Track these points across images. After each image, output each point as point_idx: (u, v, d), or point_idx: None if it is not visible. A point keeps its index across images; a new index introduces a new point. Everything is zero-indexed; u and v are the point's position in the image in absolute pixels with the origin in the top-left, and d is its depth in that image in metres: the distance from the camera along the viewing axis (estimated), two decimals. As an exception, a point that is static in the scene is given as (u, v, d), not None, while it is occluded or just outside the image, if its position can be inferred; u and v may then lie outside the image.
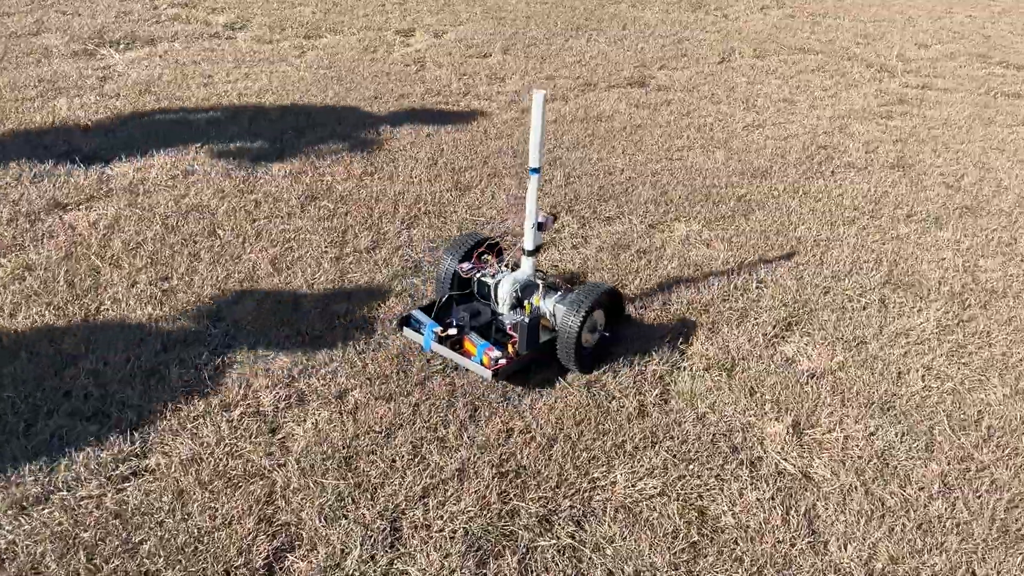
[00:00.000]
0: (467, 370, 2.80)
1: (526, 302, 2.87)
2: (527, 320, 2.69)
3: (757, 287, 3.71)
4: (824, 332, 3.41)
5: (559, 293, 2.87)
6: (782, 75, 7.54)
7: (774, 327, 3.39)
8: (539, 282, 2.91)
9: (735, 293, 3.63)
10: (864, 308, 3.62)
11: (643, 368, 2.99)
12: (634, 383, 2.91)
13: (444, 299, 2.92)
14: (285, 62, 6.39)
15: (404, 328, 2.85)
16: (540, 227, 2.79)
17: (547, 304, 2.85)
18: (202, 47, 6.55)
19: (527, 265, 2.90)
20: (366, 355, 2.92)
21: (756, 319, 3.45)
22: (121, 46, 6.41)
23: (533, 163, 2.63)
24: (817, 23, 9.97)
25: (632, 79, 6.93)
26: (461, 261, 2.96)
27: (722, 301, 3.56)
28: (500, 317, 2.88)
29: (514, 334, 2.79)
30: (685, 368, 3.04)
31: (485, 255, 3.00)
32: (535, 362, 2.86)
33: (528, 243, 2.82)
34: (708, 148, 5.41)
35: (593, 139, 5.42)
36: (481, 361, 2.69)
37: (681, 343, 3.20)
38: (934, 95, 7.33)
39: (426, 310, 2.92)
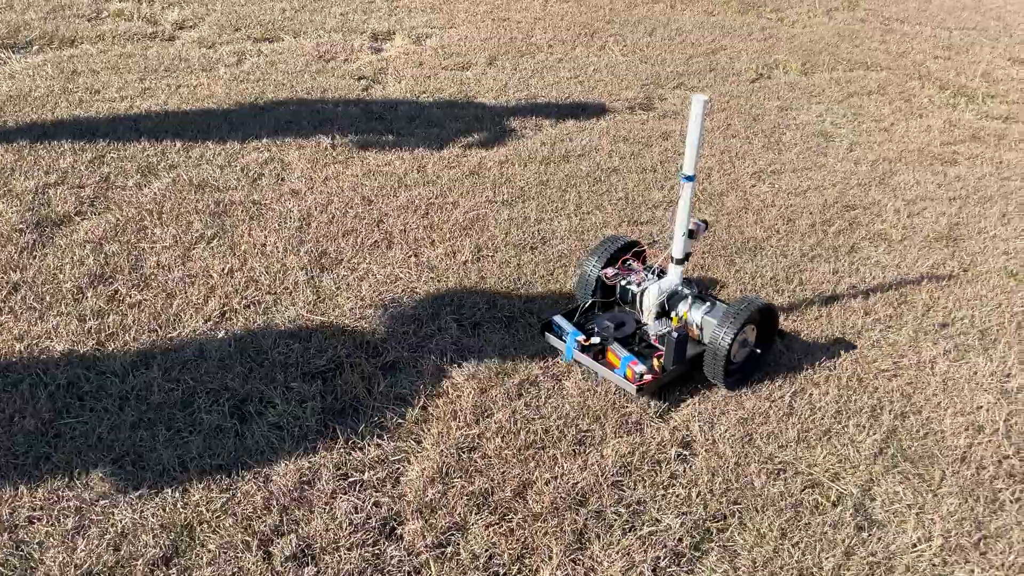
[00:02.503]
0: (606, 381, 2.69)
1: (673, 314, 2.80)
2: (675, 334, 2.60)
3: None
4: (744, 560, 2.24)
5: (707, 304, 2.78)
6: (829, 98, 6.19)
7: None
8: (688, 292, 2.83)
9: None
10: (829, 524, 2.42)
11: None
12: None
13: (587, 305, 2.87)
14: (210, 71, 5.46)
15: (546, 333, 2.81)
16: (691, 234, 2.74)
17: (695, 315, 2.77)
18: (122, 51, 5.68)
19: (674, 273, 2.83)
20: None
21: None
22: (31, 47, 5.60)
23: (688, 170, 2.61)
24: (891, 30, 8.45)
25: (636, 101, 5.72)
26: (605, 266, 2.90)
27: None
28: (644, 327, 2.81)
29: (659, 346, 2.72)
30: None
31: (630, 261, 2.95)
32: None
33: (677, 251, 2.77)
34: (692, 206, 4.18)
35: (543, 187, 4.28)
36: (624, 375, 2.61)
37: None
38: (1018, 130, 5.84)
39: (567, 316, 2.85)
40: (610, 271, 2.89)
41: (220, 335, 2.91)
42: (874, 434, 2.70)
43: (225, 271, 3.28)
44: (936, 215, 4.37)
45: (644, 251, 3.07)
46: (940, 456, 2.64)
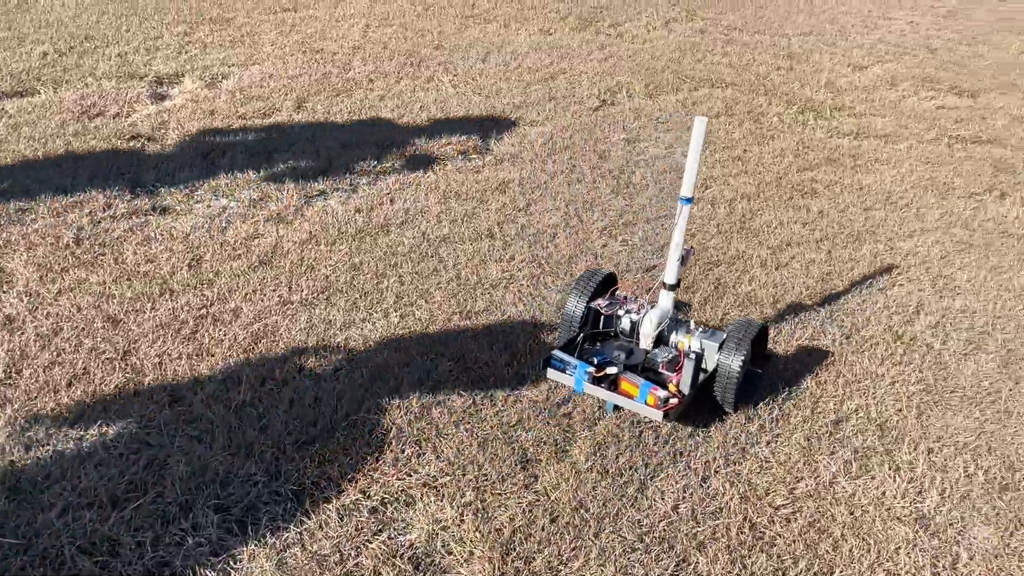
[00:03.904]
0: (620, 409, 2.66)
1: (675, 339, 2.81)
2: (693, 357, 2.58)
3: None
4: None
5: (701, 329, 2.80)
6: (677, 124, 5.68)
7: None
8: (682, 318, 2.89)
9: None
10: None
11: None
12: None
13: (582, 337, 2.80)
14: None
15: (548, 369, 2.68)
16: (682, 260, 2.74)
17: (694, 341, 2.76)
18: None
19: (667, 300, 2.82)
20: None
21: None
22: None
23: (686, 192, 2.62)
24: (731, 40, 8.16)
25: (469, 144, 5.00)
26: (591, 299, 2.87)
27: None
28: (650, 355, 2.77)
29: (667, 372, 2.70)
30: None
31: (619, 291, 2.98)
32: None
33: (670, 276, 2.78)
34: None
35: (355, 274, 3.47)
36: (646, 401, 2.53)
37: None
38: (872, 147, 5.54)
39: (565, 350, 2.74)
40: (603, 302, 2.87)
41: None
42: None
43: None
44: (805, 264, 3.89)
45: (616, 280, 3.08)
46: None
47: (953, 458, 2.67)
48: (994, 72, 7.91)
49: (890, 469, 2.60)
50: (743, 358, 2.64)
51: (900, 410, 2.89)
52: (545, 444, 2.58)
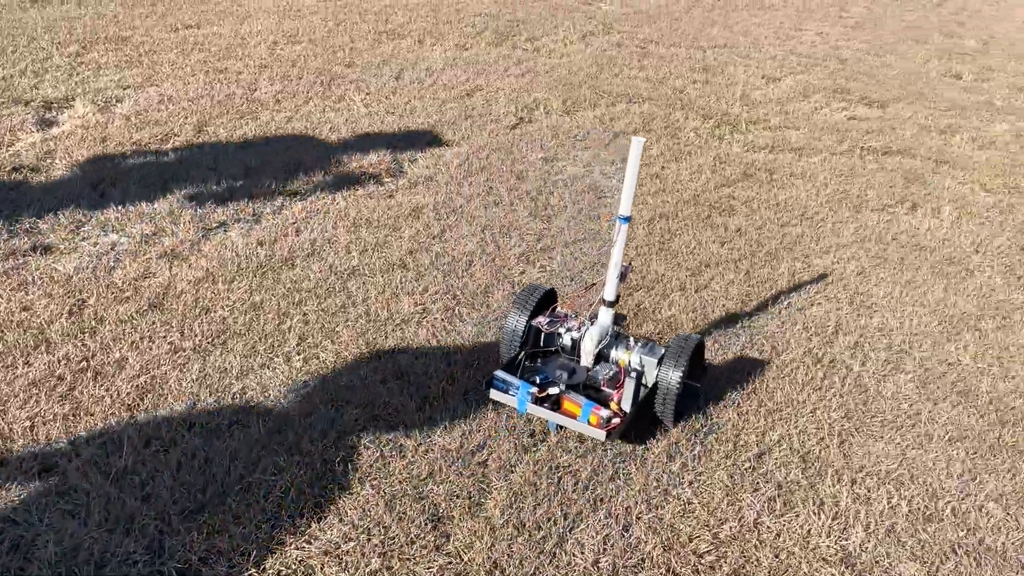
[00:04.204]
0: (563, 428, 2.64)
1: (616, 355, 2.79)
2: (633, 375, 2.59)
3: None
4: None
5: (640, 345, 2.79)
6: (595, 141, 5.62)
7: None
8: (628, 335, 2.87)
9: None
10: None
11: None
12: None
13: (523, 356, 2.77)
14: None
15: (491, 390, 2.64)
16: (621, 276, 2.73)
17: (633, 357, 2.76)
18: None
19: (607, 316, 2.79)
20: None
21: None
22: None
23: (624, 211, 2.62)
24: (647, 53, 8.18)
25: (382, 167, 4.81)
26: (531, 316, 2.82)
27: None
28: (591, 372, 2.74)
29: (608, 390, 2.67)
30: None
31: (558, 308, 2.95)
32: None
33: (609, 293, 2.75)
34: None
35: (256, 314, 3.26)
36: (589, 421, 2.52)
37: None
38: (788, 161, 5.58)
39: (507, 369, 2.72)
40: (543, 320, 2.84)
41: None
42: None
43: None
44: (725, 285, 3.83)
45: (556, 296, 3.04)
46: None
47: (876, 489, 2.62)
48: (901, 82, 8.12)
49: (814, 504, 2.53)
50: (682, 372, 2.64)
51: (822, 439, 2.83)
52: (458, 498, 2.42)
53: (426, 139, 5.37)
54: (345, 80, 6.34)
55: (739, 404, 2.95)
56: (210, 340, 3.05)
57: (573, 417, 2.57)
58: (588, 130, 5.82)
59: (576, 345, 2.82)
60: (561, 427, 2.66)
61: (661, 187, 4.92)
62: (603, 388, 2.70)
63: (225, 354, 2.98)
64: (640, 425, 2.72)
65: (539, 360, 2.87)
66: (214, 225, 3.94)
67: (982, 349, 3.51)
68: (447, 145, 5.30)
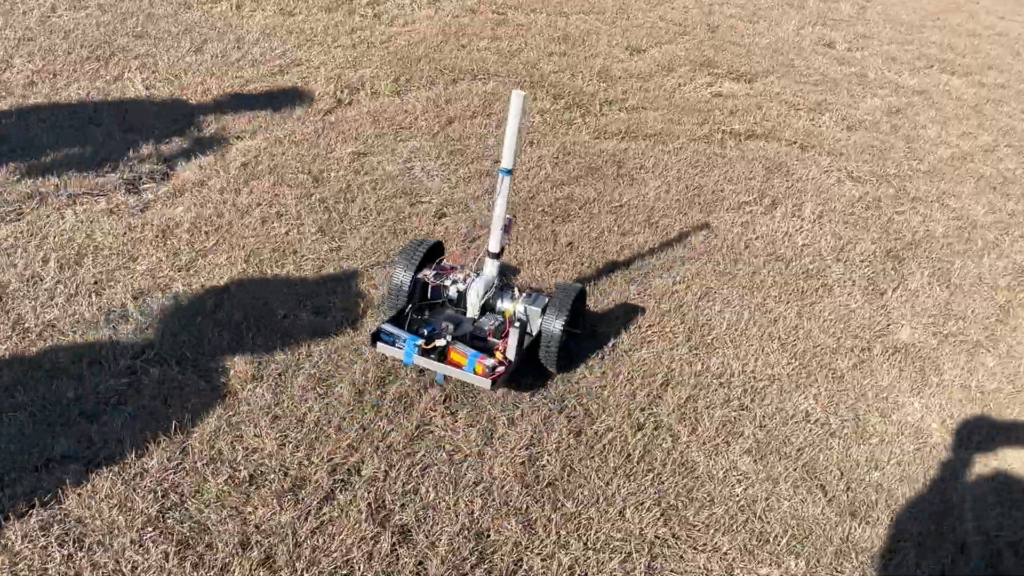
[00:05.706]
0: (450, 379, 2.69)
1: (501, 307, 2.86)
2: (518, 325, 2.65)
3: None
4: None
5: (525, 295, 2.87)
6: (422, 130, 4.82)
7: None
8: (514, 285, 2.92)
9: None
10: None
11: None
12: None
13: (410, 309, 2.80)
14: None
15: (377, 343, 2.67)
16: (505, 229, 2.78)
17: (519, 307, 2.84)
18: None
19: (492, 268, 2.86)
20: None
21: None
22: None
23: (506, 164, 2.66)
24: (504, 21, 7.37)
25: (144, 170, 3.87)
26: (418, 270, 2.85)
27: None
28: (477, 323, 2.80)
29: (494, 340, 2.75)
30: None
31: (444, 261, 2.97)
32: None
33: (494, 245, 2.81)
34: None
35: None
36: (474, 370, 2.59)
37: None
38: (640, 151, 4.94)
39: (394, 322, 2.74)
40: (429, 273, 2.85)
41: None
42: None
43: None
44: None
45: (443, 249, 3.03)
46: None
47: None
48: (773, 52, 7.61)
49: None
50: (564, 320, 2.70)
51: (625, 561, 2.18)
52: None
53: (214, 130, 4.45)
54: (129, 55, 5.30)
55: (526, 509, 2.27)
56: None
57: (459, 367, 2.60)
58: (417, 115, 5.01)
59: (462, 297, 2.84)
60: (448, 377, 2.67)
61: (493, 185, 4.19)
62: (489, 338, 2.74)
63: None
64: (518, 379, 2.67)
65: (427, 312, 2.86)
66: None
67: (836, 396, 2.95)
68: (238, 138, 4.40)
